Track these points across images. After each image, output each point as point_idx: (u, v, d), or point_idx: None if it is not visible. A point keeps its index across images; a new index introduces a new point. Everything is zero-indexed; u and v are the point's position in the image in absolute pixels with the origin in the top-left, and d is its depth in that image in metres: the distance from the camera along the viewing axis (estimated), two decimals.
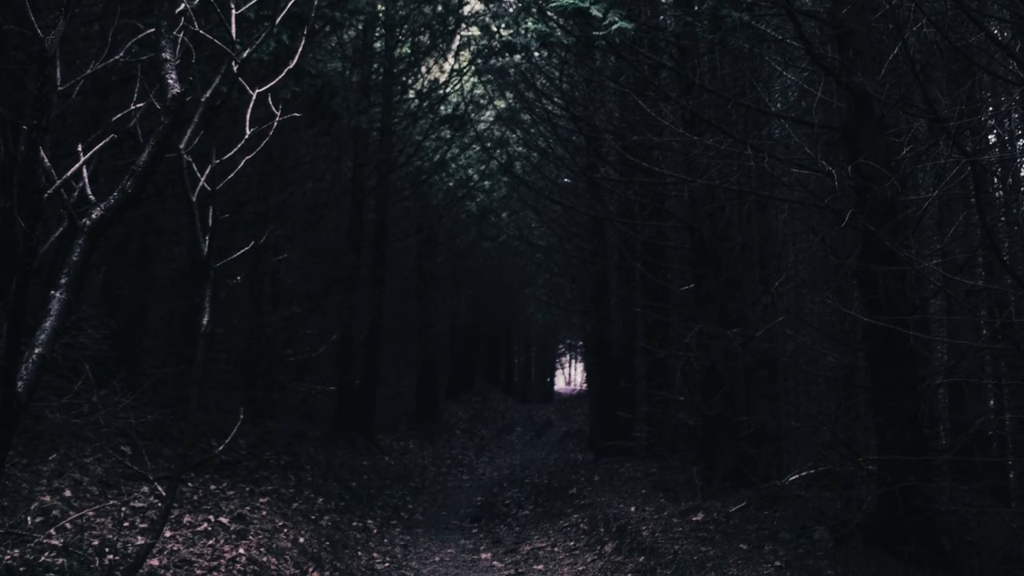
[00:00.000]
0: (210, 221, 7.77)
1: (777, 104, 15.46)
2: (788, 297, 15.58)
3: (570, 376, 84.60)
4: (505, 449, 31.29)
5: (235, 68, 7.46)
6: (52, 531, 7.46)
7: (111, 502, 9.48)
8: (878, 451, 11.51)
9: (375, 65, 25.01)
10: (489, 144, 27.00)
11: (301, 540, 11.32)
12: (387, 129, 25.50)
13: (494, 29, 19.69)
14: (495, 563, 13.93)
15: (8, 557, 6.01)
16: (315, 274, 22.74)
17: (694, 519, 13.17)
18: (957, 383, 14.25)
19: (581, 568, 12.92)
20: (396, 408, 30.30)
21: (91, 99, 12.63)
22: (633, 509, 14.33)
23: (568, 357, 74.90)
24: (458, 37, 25.36)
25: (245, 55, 7.46)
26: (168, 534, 9.16)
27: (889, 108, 10.78)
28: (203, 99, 7.49)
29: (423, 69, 26.82)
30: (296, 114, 8.51)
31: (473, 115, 27.34)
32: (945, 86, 12.47)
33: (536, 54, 20.94)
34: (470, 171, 31.47)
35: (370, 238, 25.79)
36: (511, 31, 17.87)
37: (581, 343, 44.69)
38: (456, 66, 26.17)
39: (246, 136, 7.76)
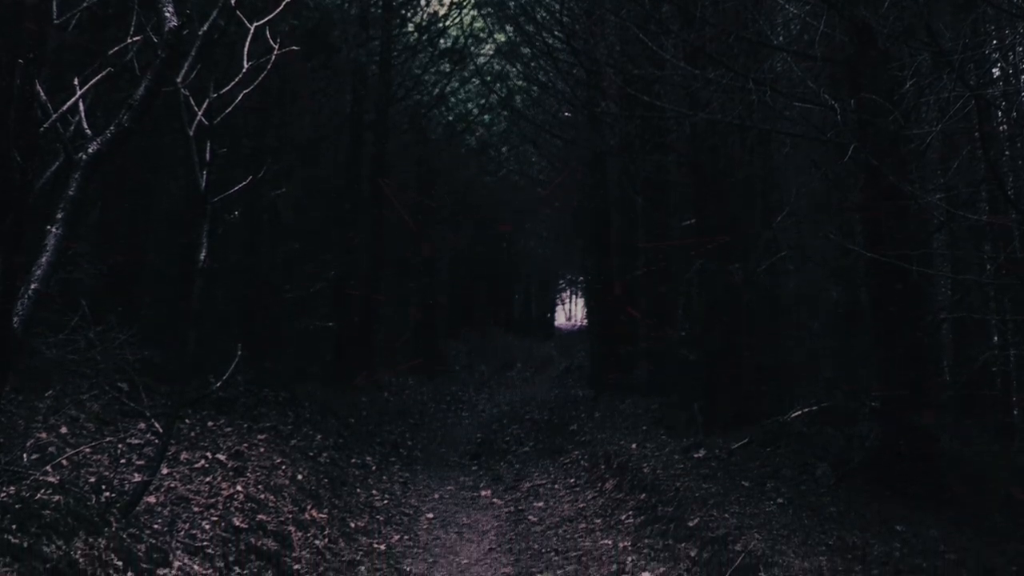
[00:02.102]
0: (207, 156, 7.67)
1: (779, 37, 15.22)
2: (790, 232, 15.45)
3: (571, 312, 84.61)
4: (505, 385, 31.27)
5: (232, 1, 7.31)
6: (48, 468, 7.38)
7: (108, 439, 9.41)
8: (881, 388, 11.46)
9: None
10: (489, 78, 26.82)
11: (299, 477, 11.29)
12: (386, 63, 25.25)
13: None
14: (495, 500, 13.92)
15: (4, 494, 5.94)
16: (313, 209, 22.59)
17: (695, 456, 13.15)
18: (961, 319, 14.18)
19: (582, 505, 12.90)
20: (395, 344, 30.24)
21: (87, 32, 12.44)
22: (634, 446, 14.30)
23: (569, 293, 74.91)
24: None
25: None
26: (165, 471, 9.11)
27: (892, 41, 10.60)
28: (200, 32, 7.34)
29: (422, 2, 26.53)
30: (294, 48, 8.37)
31: (473, 49, 27.15)
32: (949, 19, 12.27)
33: None
34: (469, 105, 31.32)
35: (368, 173, 25.59)
36: None
37: (582, 278, 44.62)
38: None
39: (244, 70, 7.62)
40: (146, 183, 15.19)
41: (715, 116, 12.59)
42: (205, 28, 7.30)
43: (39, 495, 5.98)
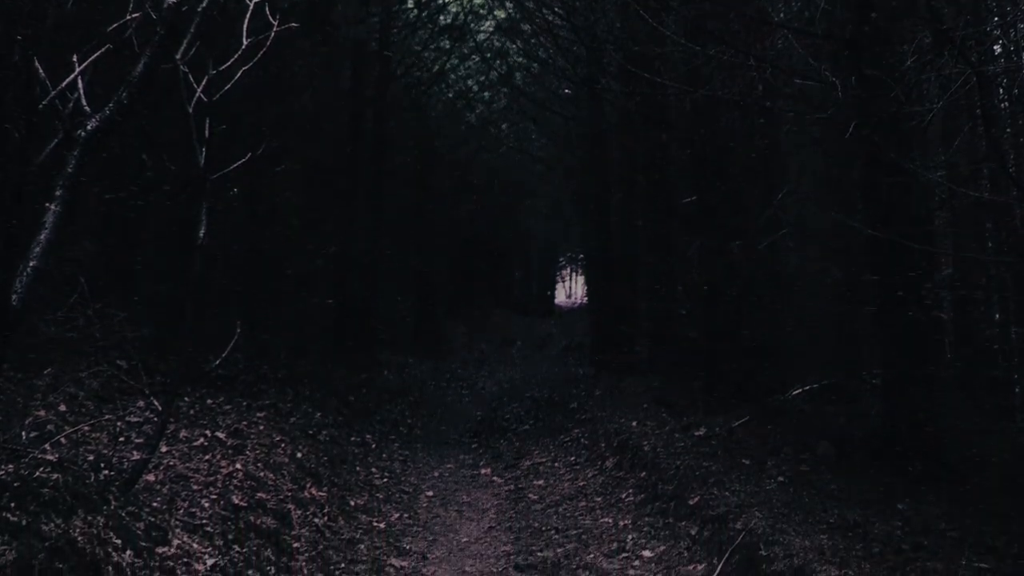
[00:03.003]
0: (207, 133, 7.62)
1: (780, 14, 15.17)
2: (791, 210, 15.41)
3: (571, 289, 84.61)
4: (505, 363, 31.26)
5: None
6: (47, 446, 7.36)
7: (106, 417, 9.38)
8: (882, 365, 11.43)
9: None
10: (489, 55, 26.74)
11: (299, 455, 11.26)
12: (386, 40, 25.15)
13: None
14: (495, 478, 13.91)
15: (2, 472, 5.92)
16: (313, 186, 22.51)
17: (696, 434, 13.12)
18: (962, 296, 14.15)
19: (582, 483, 12.90)
20: (395, 322, 30.21)
21: (86, 9, 12.37)
22: (634, 424, 14.27)
23: (569, 270, 74.91)
24: None
25: None
26: (164, 449, 9.07)
27: (893, 18, 10.55)
28: (199, 9, 7.29)
29: None
30: (293, 24, 8.31)
31: (473, 25, 27.02)
32: None
33: None
34: (469, 82, 31.22)
35: (368, 150, 25.51)
36: None
37: (582, 256, 44.59)
38: None
39: (243, 47, 7.57)
40: (145, 160, 15.13)
41: (716, 93, 12.53)
42: (204, 5, 7.26)
43: (38, 473, 5.95)
